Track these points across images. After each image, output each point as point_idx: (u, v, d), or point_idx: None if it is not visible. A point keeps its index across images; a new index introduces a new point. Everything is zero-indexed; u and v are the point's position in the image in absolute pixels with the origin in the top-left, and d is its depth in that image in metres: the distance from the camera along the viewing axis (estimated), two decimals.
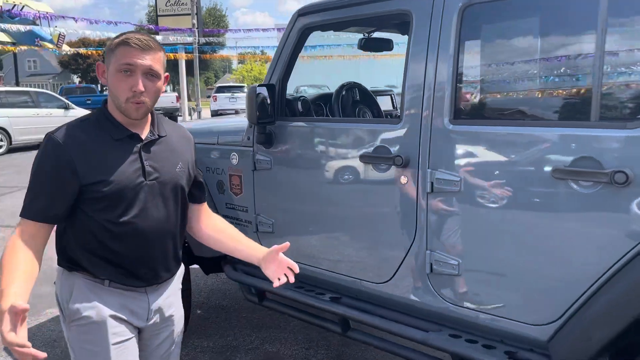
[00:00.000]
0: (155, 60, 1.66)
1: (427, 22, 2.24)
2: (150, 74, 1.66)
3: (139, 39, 1.64)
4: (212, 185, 3.21)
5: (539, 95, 2.22)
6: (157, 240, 1.76)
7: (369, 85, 3.44)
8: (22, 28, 19.64)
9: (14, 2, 20.07)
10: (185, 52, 23.66)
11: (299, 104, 2.94)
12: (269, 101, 2.60)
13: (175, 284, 1.94)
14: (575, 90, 2.08)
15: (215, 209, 3.21)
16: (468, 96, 2.28)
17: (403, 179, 2.33)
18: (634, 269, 1.81)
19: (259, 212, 2.97)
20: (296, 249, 2.85)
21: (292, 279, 1.88)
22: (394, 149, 2.35)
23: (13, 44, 20.55)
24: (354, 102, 3.06)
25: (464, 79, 2.23)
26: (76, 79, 46.95)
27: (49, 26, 21.05)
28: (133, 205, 1.68)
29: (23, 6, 20.89)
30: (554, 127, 1.96)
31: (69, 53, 24.40)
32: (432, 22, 2.22)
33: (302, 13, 2.69)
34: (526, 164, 2.01)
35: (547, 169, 1.92)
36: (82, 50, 23.42)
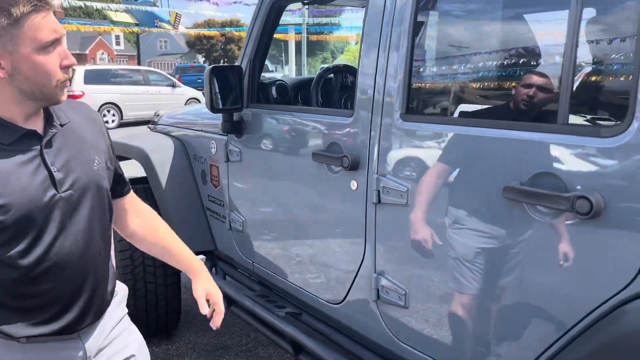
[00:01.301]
0: None
1: None
2: (63, 38, 1.22)
3: None
4: (198, 175, 2.97)
5: (500, 89, 1.69)
6: (86, 267, 1.32)
7: None
8: (145, 9, 20.92)
9: None
10: (295, 33, 23.87)
11: (274, 89, 2.59)
12: (230, 85, 2.28)
13: (117, 312, 1.49)
14: (542, 83, 1.54)
15: (199, 200, 2.99)
16: (423, 86, 1.80)
17: (353, 185, 1.92)
18: (601, 331, 1.29)
19: (232, 208, 2.68)
20: (262, 253, 2.55)
21: (213, 325, 1.54)
22: (345, 148, 1.94)
23: (136, 25, 21.96)
24: (343, 88, 2.64)
25: (420, 65, 1.76)
26: (201, 59, 49.51)
27: (168, 6, 22.23)
28: (46, 230, 1.23)
29: None
30: (510, 130, 1.44)
31: (184, 34, 25.62)
32: None
33: None
34: (478, 178, 1.52)
35: (499, 186, 1.43)
36: (194, 32, 24.40)
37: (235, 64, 2.47)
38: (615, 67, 1.36)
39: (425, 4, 1.69)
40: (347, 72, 2.74)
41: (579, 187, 1.27)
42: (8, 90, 1.19)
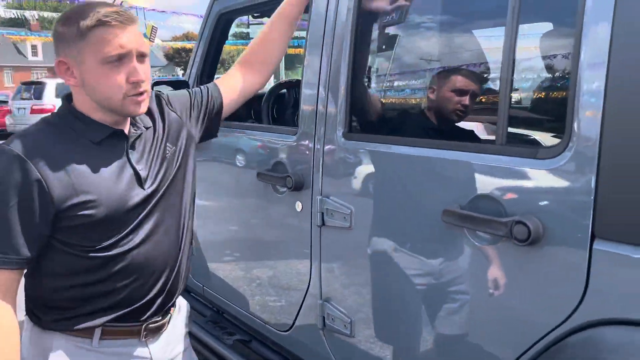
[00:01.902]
0: (140, 36, 1.27)
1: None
2: (141, 54, 1.25)
3: (117, 12, 1.20)
4: None
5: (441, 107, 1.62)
6: (169, 260, 1.37)
7: None
8: None
9: None
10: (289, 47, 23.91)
11: None
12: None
13: (182, 328, 1.53)
14: (481, 100, 1.48)
15: None
16: (366, 104, 1.73)
17: (298, 206, 1.83)
18: None
19: None
20: (211, 277, 2.44)
21: None
22: (289, 167, 1.85)
23: None
24: (296, 104, 2.56)
25: (364, 79, 1.69)
26: (179, 72, 49.27)
27: (144, 18, 22.03)
28: (134, 227, 1.29)
29: (122, 1, 21.99)
30: (448, 150, 1.37)
31: (159, 46, 25.45)
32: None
33: None
34: (420, 201, 1.45)
35: (439, 209, 1.35)
36: (171, 45, 24.21)
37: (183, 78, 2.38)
38: (552, 85, 1.30)
39: (367, 14, 1.62)
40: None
41: (516, 211, 1.20)
42: (86, 98, 1.27)
